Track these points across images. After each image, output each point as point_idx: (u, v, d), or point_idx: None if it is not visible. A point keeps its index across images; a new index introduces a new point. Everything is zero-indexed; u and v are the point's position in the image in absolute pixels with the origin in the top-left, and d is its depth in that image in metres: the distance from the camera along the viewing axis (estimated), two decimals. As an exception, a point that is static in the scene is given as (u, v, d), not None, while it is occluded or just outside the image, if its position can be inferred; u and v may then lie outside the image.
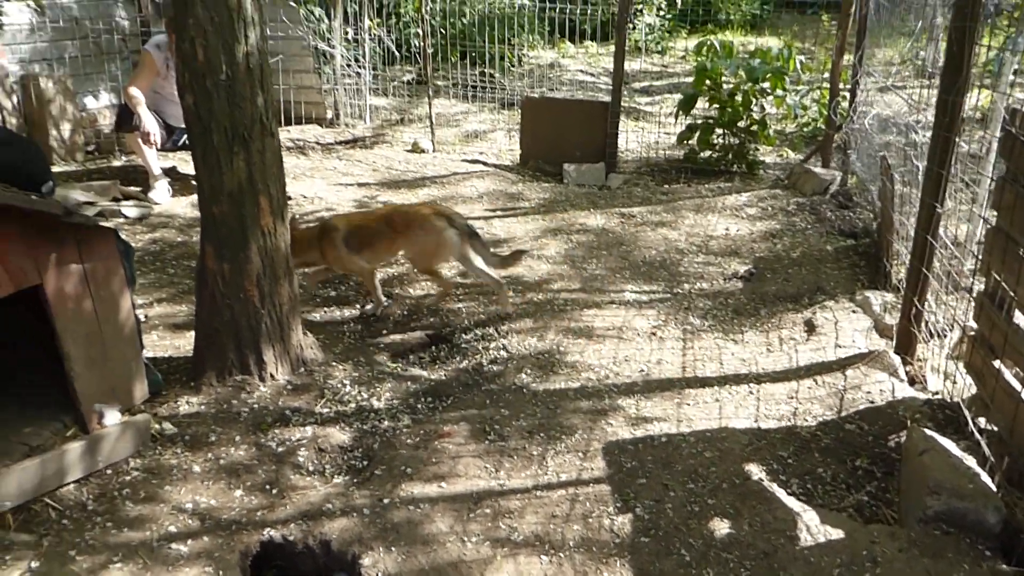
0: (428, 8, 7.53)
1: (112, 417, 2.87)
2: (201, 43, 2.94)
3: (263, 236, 3.18)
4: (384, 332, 3.87)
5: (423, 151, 6.99)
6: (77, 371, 2.76)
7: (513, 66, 9.85)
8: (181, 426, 3.02)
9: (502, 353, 3.66)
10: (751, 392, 3.38)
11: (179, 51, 3.00)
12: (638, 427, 3.11)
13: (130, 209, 5.21)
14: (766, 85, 6.47)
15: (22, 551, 2.43)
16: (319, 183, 6.02)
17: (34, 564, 2.38)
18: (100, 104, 6.98)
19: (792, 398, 3.31)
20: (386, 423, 3.12)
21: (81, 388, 2.78)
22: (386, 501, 2.65)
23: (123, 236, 2.97)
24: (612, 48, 6.41)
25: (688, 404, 3.29)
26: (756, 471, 2.83)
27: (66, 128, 6.28)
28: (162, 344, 3.65)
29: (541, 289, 4.31)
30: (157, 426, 2.98)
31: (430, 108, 7.28)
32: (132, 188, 5.67)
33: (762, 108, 6.69)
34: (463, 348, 3.71)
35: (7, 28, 6.15)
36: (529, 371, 3.51)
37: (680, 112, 6.65)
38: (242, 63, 3.00)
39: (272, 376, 3.30)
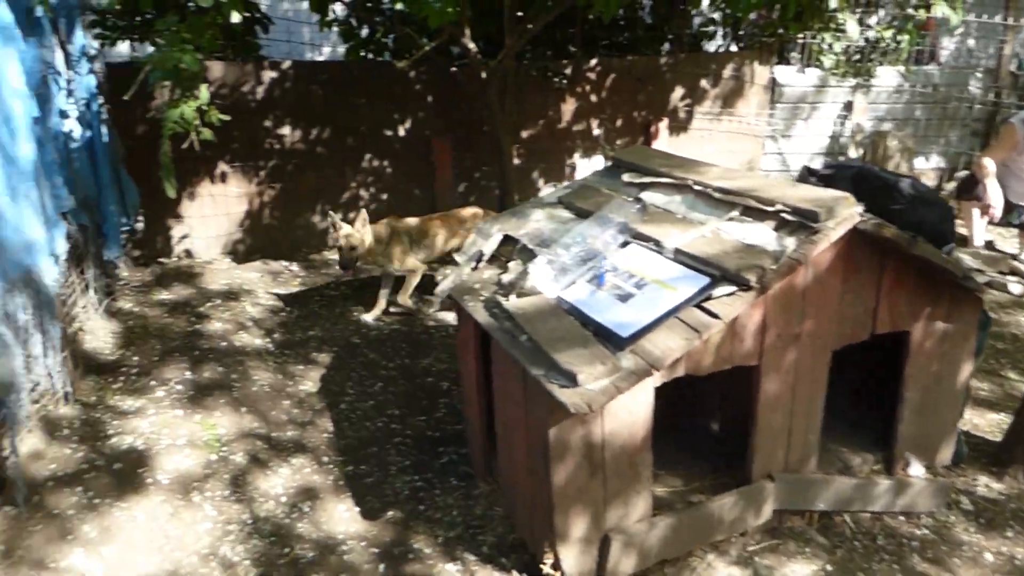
0: None
1: (916, 469, 3.00)
2: None
3: None
4: None
5: None
6: (905, 416, 2.95)
7: None
8: (977, 506, 2.96)
9: None
10: None
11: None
12: None
13: (1015, 286, 5.06)
14: None
15: (818, 551, 2.76)
16: None
17: (828, 568, 2.68)
18: (928, 166, 7.21)
19: None
20: None
21: (902, 432, 2.97)
22: None
23: (987, 308, 3.01)
24: None
25: None
26: None
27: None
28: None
29: None
30: (954, 496, 2.99)
31: None
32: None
33: None
34: None
35: (873, 89, 6.82)
36: None
37: None
38: None
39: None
